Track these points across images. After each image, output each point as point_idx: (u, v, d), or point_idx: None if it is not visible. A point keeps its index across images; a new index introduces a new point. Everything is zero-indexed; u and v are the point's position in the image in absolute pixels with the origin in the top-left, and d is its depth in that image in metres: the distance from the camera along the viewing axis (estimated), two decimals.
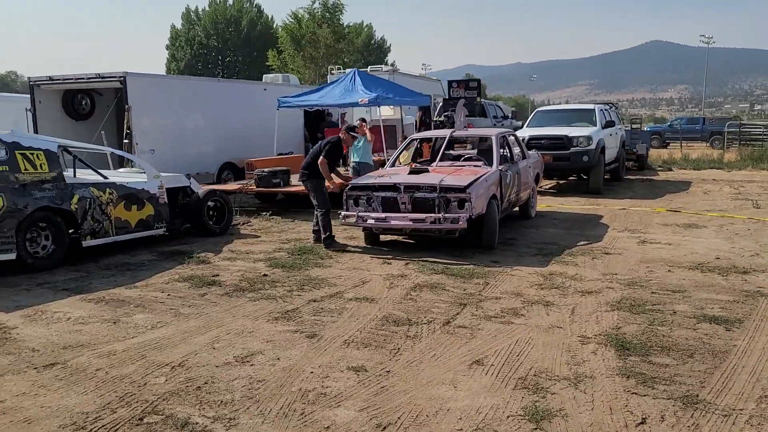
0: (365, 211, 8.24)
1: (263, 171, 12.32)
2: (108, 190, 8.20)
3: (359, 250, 8.56)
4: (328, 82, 26.42)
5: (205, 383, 4.08)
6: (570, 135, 13.86)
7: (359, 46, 49.96)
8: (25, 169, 7.15)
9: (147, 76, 14.85)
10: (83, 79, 14.69)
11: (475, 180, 8.02)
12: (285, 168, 13.14)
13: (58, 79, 14.95)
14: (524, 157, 10.51)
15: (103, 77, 14.33)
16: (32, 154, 7.29)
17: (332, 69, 27.61)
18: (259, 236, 9.78)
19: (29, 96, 15.34)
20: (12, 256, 6.94)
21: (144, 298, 6.15)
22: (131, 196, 8.54)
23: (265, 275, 7.10)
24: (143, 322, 5.40)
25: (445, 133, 10.34)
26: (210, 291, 6.45)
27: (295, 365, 4.37)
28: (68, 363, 4.47)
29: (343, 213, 8.37)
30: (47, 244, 7.42)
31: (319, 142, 9.08)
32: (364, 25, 62.27)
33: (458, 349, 4.66)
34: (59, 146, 7.90)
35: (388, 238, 9.08)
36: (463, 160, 9.69)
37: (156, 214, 8.98)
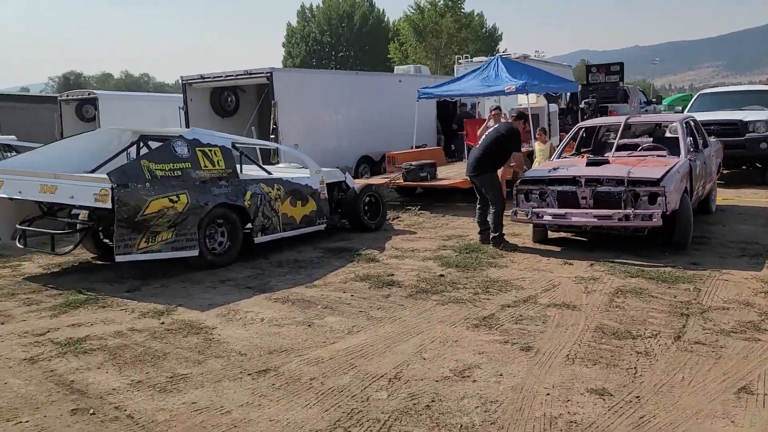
0: (539, 207, 7.67)
1: (411, 164, 12.01)
2: (276, 185, 8.17)
3: (529, 248, 8.01)
4: (455, 72, 25.93)
5: (432, 401, 3.73)
6: (745, 120, 12.49)
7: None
8: (205, 166, 7.20)
9: (291, 70, 15.09)
10: (232, 76, 15.06)
11: (668, 171, 7.23)
12: (431, 161, 12.78)
13: (208, 77, 15.41)
14: (706, 145, 9.48)
15: (250, 73, 14.59)
16: (210, 150, 7.34)
17: (459, 58, 26.93)
18: (416, 232, 9.47)
19: (182, 95, 15.97)
20: (195, 252, 7.01)
21: (328, 299, 5.96)
22: (296, 192, 8.48)
23: (441, 275, 6.74)
24: (337, 326, 5.17)
25: (619, 120, 9.51)
26: (391, 292, 6.16)
27: (523, 384, 3.93)
28: (280, 370, 4.29)
29: (513, 209, 7.85)
30: (223, 241, 7.46)
31: (493, 133, 8.53)
32: (475, 14, 61.19)
33: (708, 371, 4.03)
34: (232, 143, 7.93)
35: (556, 235, 8.45)
36: (641, 150, 8.84)
37: (318, 210, 8.89)
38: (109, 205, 6.27)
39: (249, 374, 4.23)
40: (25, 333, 5.19)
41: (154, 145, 8.57)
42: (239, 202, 7.54)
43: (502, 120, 10.84)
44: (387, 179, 12.58)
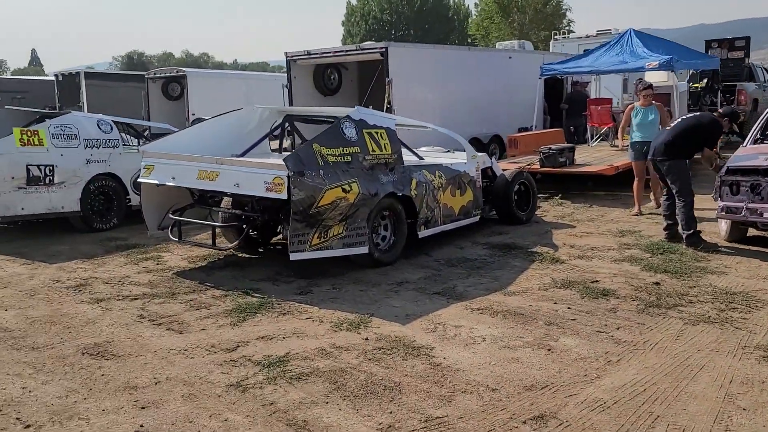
0: (752, 202, 6.50)
1: (550, 148, 10.89)
2: (438, 173, 7.25)
3: (732, 249, 6.86)
4: (551, 49, 24.37)
5: None
6: None
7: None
8: (373, 151, 6.33)
9: (406, 45, 14.05)
10: (341, 52, 14.23)
11: None
12: (570, 145, 11.65)
13: (315, 53, 14.60)
14: None
15: (363, 49, 13.72)
16: (377, 133, 6.46)
17: (556, 34, 25.26)
18: (575, 226, 8.42)
19: (286, 73, 15.24)
20: (365, 249, 6.18)
21: (543, 312, 5.01)
22: (455, 180, 7.54)
23: (656, 284, 5.70)
24: (584, 352, 4.23)
25: None
26: (614, 305, 5.17)
27: None
28: (559, 416, 3.38)
29: (720, 203, 6.72)
30: (386, 236, 6.61)
31: (692, 120, 7.35)
32: None
33: None
34: (395, 123, 7.03)
35: (755, 233, 7.26)
36: None
37: (474, 200, 7.94)
38: (283, 196, 5.47)
39: (524, 421, 3.34)
40: (213, 347, 4.45)
41: (300, 126, 7.83)
42: (406, 191, 6.66)
43: (653, 102, 9.29)
44: (520, 164, 11.50)
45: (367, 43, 13.96)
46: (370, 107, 13.27)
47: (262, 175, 5.58)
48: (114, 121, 9.15)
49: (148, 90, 22.05)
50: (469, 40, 46.80)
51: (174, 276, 6.34)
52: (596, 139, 14.50)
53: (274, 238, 7.38)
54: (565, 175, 11.18)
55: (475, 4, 63.33)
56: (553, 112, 18.38)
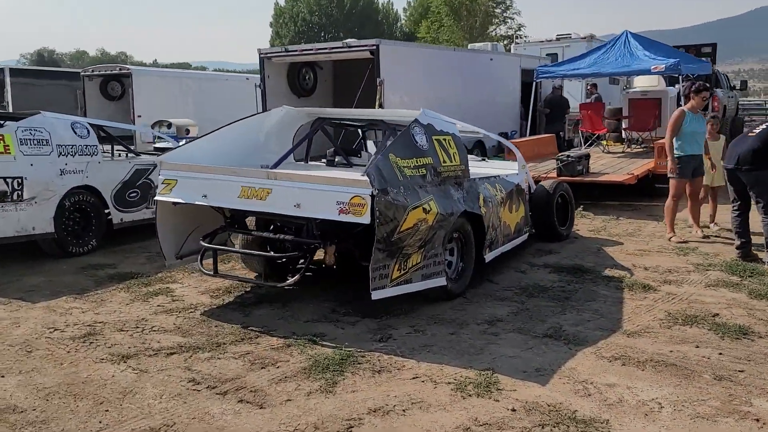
0: None
1: (569, 155, 10.16)
2: (498, 186, 6.31)
3: None
4: (512, 51, 23.93)
5: None
6: None
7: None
8: (444, 162, 5.30)
9: (397, 44, 13.04)
10: (325, 50, 13.10)
11: None
12: (586, 152, 10.98)
13: (294, 51, 13.42)
14: None
15: (351, 47, 12.61)
16: (445, 140, 5.44)
17: (517, 39, 24.82)
18: (621, 242, 7.68)
19: (260, 72, 13.93)
20: (442, 280, 5.15)
21: (694, 360, 4.14)
22: (511, 194, 6.64)
23: None
24: None
25: None
26: (762, 345, 4.36)
27: None
28: None
29: None
30: (452, 261, 5.60)
31: None
32: None
33: None
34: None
35: None
36: None
37: (525, 216, 7.07)
38: (364, 220, 4.37)
39: None
40: (318, 429, 3.32)
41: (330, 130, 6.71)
42: (476, 209, 5.67)
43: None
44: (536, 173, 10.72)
45: (354, 41, 12.84)
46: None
47: (335, 194, 4.45)
48: (91, 124, 7.71)
49: (85, 89, 20.09)
50: None
51: (204, 317, 5.10)
52: (588, 145, 13.96)
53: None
54: (580, 184, 10.50)
55: (404, 8, 63.41)
56: (526, 117, 17.89)
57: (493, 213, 6.00)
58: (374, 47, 12.04)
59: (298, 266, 5.21)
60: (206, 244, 5.26)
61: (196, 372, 4.05)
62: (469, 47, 21.15)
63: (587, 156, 10.59)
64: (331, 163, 6.34)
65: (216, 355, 4.31)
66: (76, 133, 7.34)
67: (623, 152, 13.62)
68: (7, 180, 6.50)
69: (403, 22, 69.41)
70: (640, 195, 10.59)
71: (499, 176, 6.48)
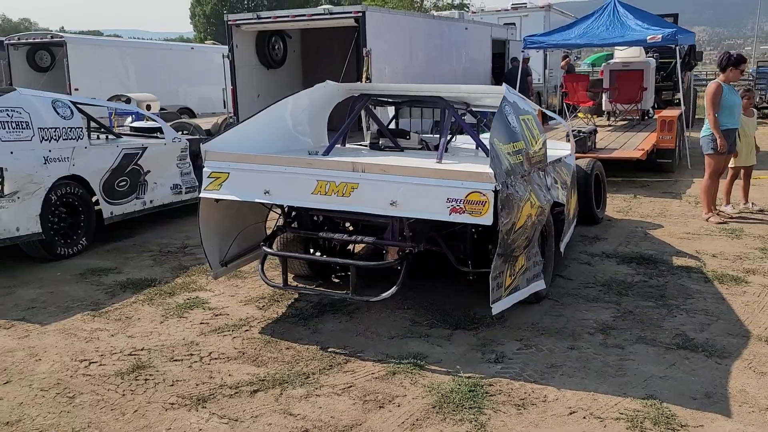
0: None
1: (580, 131, 9.66)
2: (563, 170, 5.70)
3: None
4: (471, 17, 23.33)
5: None
6: None
7: None
8: (532, 146, 4.62)
9: (383, 11, 12.14)
10: (302, 17, 12.04)
11: None
12: (593, 127, 10.54)
13: (267, 18, 12.33)
14: None
15: (333, 14, 11.65)
16: (528, 120, 4.75)
17: (467, 8, 24.05)
18: (661, 224, 7.29)
19: (227, 41, 12.74)
20: (542, 283, 4.52)
21: None
22: (573, 177, 6.06)
23: None
24: None
25: None
26: None
27: None
28: None
29: None
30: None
31: None
32: None
33: None
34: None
35: None
36: None
37: (578, 200, 6.51)
38: (484, 220, 3.65)
39: None
40: None
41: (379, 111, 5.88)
42: (560, 198, 5.04)
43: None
44: None
45: (336, 7, 11.88)
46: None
47: (446, 190, 3.69)
48: (73, 102, 6.56)
49: (10, 59, 18.15)
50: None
51: (266, 337, 4.27)
52: (571, 118, 13.59)
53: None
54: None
55: None
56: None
57: (567, 201, 5.39)
58: (360, 14, 11.15)
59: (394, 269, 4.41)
60: (271, 251, 4.39)
61: (300, 417, 3.26)
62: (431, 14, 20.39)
63: (595, 131, 10.16)
64: (375, 147, 5.54)
65: (312, 391, 3.53)
66: (58, 113, 6.21)
67: (610, 125, 13.36)
68: None
69: None
70: (640, 170, 10.27)
71: (561, 159, 5.86)
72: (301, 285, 5.07)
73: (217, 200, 4.41)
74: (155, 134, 8.21)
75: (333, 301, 4.80)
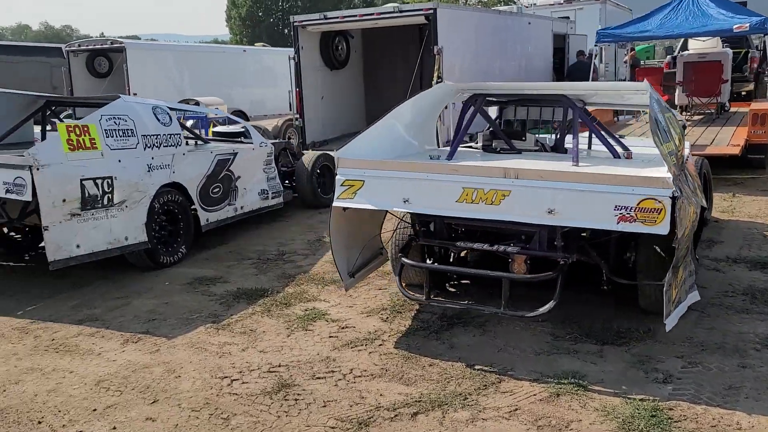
0: None
1: None
2: (692, 170, 5.35)
3: None
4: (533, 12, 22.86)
5: None
6: None
7: None
8: (678, 146, 4.30)
9: (455, 8, 11.85)
10: (370, 15, 11.84)
11: None
12: (683, 122, 10.09)
13: (334, 18, 12.16)
14: None
15: (403, 12, 11.42)
16: (670, 117, 4.45)
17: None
18: None
19: (292, 43, 12.61)
20: (697, 295, 4.21)
21: None
22: (700, 175, 5.71)
23: None
24: None
25: None
26: None
27: None
28: None
29: None
30: None
31: None
32: None
33: None
34: None
35: None
36: None
37: None
38: (661, 230, 3.37)
39: None
40: None
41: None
42: (703, 201, 4.72)
43: None
44: None
45: (405, 5, 11.68)
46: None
47: (614, 196, 3.43)
48: (171, 108, 6.47)
49: (70, 66, 18.38)
50: None
51: (403, 352, 4.06)
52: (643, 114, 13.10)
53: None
54: None
55: None
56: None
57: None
58: (431, 11, 10.90)
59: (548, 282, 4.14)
60: (412, 262, 4.19)
61: None
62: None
63: (684, 126, 9.70)
64: (489, 149, 5.29)
65: (476, 414, 3.31)
66: (158, 119, 6.12)
67: (687, 120, 12.84)
68: (97, 181, 5.28)
69: None
70: (729, 167, 9.77)
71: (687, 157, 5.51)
72: (442, 299, 4.77)
73: (344, 209, 4.23)
74: (239, 139, 8.14)
75: (458, 312, 4.57)
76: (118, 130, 5.59)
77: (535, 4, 25.10)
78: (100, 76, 18.65)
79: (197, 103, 13.23)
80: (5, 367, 4.02)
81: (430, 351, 4.08)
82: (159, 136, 6.03)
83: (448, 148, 5.22)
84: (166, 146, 6.10)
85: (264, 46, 26.04)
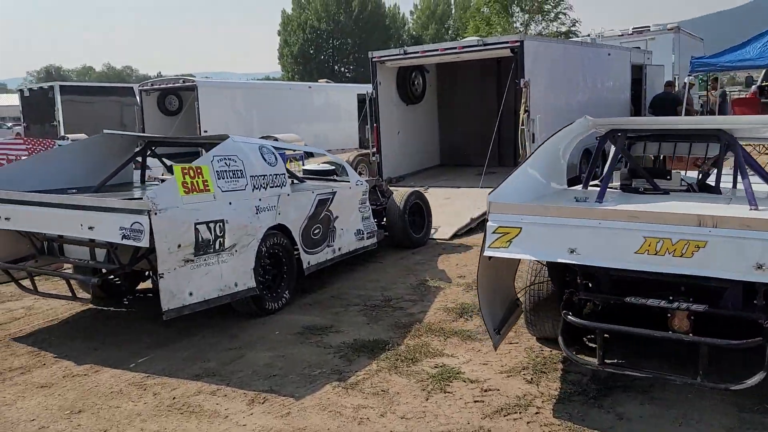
0: None
1: None
2: None
3: None
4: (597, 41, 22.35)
5: None
6: None
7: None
8: None
9: (542, 40, 11.46)
10: (452, 50, 11.59)
11: None
12: None
13: (414, 53, 11.96)
14: None
15: (487, 44, 11.12)
16: None
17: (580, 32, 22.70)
18: None
19: (371, 79, 12.43)
20: None
21: None
22: None
23: None
24: None
25: None
26: None
27: None
28: None
29: None
30: None
31: None
32: None
33: None
34: None
35: None
36: None
37: None
38: None
39: None
40: None
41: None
42: None
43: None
44: None
45: (490, 38, 11.39)
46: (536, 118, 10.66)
47: None
48: (276, 147, 6.24)
49: (142, 104, 18.73)
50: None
51: (562, 421, 3.58)
52: None
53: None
54: None
55: (411, 11, 63.19)
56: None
57: None
58: (517, 44, 10.57)
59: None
60: (583, 322, 3.73)
61: None
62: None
63: None
64: (628, 188, 4.82)
65: None
66: (265, 159, 5.88)
67: None
68: (210, 225, 5.02)
69: (410, 25, 69.02)
70: None
71: None
72: (617, 363, 4.20)
73: (489, 257, 3.81)
74: (332, 177, 7.88)
75: (630, 380, 4.04)
76: (229, 171, 5.36)
77: (602, 35, 24.60)
78: (170, 114, 18.97)
79: (276, 140, 13.13)
80: (131, 430, 3.72)
81: (597, 423, 3.59)
82: (266, 177, 5.78)
83: (589, 189, 4.80)
84: (272, 187, 5.84)
85: (327, 82, 26.21)
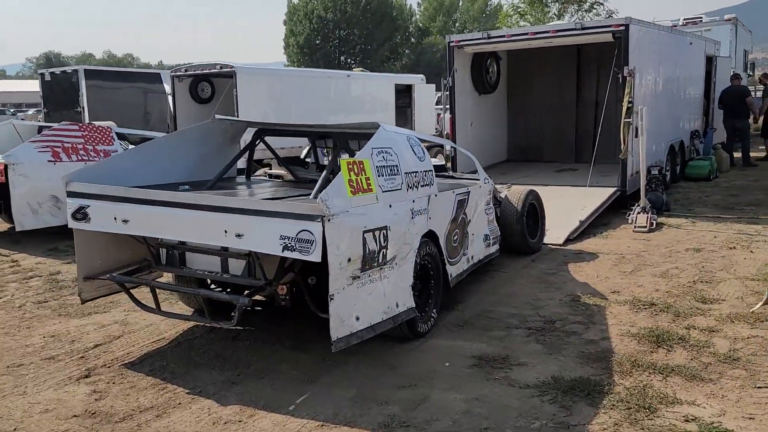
0: None
1: None
2: None
3: None
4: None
5: None
6: None
7: None
8: None
9: (643, 23, 10.34)
10: (544, 33, 10.56)
11: None
12: None
13: (498, 37, 10.96)
14: None
15: (586, 28, 10.11)
16: None
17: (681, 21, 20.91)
18: None
19: (447, 66, 11.43)
20: None
21: None
22: None
23: None
24: None
25: None
26: None
27: None
28: None
29: None
30: None
31: None
32: None
33: None
34: None
35: None
36: None
37: None
38: None
39: None
40: None
41: None
42: None
43: None
44: None
45: (590, 21, 10.39)
46: (642, 109, 9.66)
47: None
48: (420, 139, 5.26)
49: (175, 91, 17.76)
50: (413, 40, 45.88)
51: None
52: None
53: None
54: None
55: (418, 3, 62.40)
56: (707, 111, 15.52)
57: None
58: (622, 27, 9.53)
59: None
60: None
61: None
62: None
63: None
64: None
65: None
66: (414, 152, 4.90)
67: None
68: (375, 234, 4.06)
69: (417, 16, 67.96)
70: None
71: None
72: None
73: None
74: (448, 173, 6.94)
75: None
76: (386, 167, 4.39)
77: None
78: (201, 101, 18.00)
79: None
80: None
81: None
82: (417, 174, 4.80)
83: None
84: (423, 186, 4.87)
85: (362, 71, 25.22)
